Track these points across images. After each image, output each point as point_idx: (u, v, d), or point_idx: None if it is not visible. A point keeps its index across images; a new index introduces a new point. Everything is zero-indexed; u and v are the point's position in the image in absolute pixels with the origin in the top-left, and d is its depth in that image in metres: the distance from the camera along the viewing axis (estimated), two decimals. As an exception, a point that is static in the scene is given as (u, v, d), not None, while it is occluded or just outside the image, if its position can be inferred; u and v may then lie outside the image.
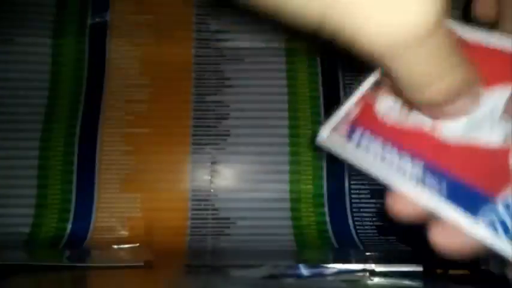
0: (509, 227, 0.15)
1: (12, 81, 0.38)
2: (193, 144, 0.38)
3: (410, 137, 0.18)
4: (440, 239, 0.16)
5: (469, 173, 0.17)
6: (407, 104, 0.18)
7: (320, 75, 0.40)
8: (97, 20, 0.40)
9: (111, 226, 0.36)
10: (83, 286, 0.29)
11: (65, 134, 0.37)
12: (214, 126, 0.38)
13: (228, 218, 0.37)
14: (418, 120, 0.18)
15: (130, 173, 0.37)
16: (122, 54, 0.39)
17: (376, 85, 0.20)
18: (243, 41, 0.40)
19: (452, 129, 0.17)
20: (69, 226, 0.36)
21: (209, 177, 0.37)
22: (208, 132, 0.38)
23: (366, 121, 0.19)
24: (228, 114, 0.38)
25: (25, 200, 0.36)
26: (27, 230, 0.36)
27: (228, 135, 0.38)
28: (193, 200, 0.37)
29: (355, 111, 0.20)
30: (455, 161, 0.17)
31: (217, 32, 0.40)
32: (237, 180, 0.37)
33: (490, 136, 0.17)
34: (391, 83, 0.17)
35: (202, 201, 0.37)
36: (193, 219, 0.37)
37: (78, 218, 0.36)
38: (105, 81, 0.39)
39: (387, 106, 0.19)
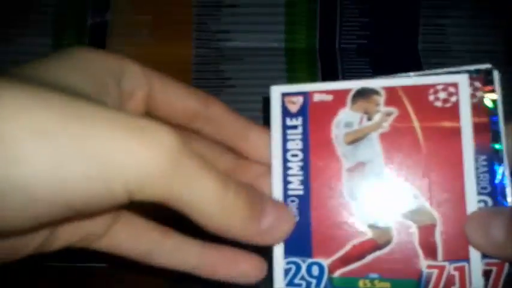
0: (297, 280, 0.19)
1: (12, 81, 0.38)
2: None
3: (328, 162, 0.19)
4: None
5: (320, 226, 0.19)
6: None
7: (320, 75, 0.40)
8: (97, 20, 0.40)
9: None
10: (84, 286, 0.29)
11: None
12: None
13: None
14: (345, 151, 0.19)
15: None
16: (121, 54, 0.39)
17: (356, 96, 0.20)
18: (243, 41, 0.40)
19: (352, 187, 0.19)
20: (69, 226, 0.36)
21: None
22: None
23: (319, 113, 0.20)
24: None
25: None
26: (27, 230, 0.36)
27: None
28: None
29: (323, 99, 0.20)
30: (324, 210, 0.19)
31: (217, 32, 0.40)
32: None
33: (363, 217, 0.19)
34: None
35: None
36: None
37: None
38: (105, 81, 0.39)
39: (345, 119, 0.20)
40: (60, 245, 0.19)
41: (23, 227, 0.13)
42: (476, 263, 0.18)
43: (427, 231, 0.18)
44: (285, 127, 0.20)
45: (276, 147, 0.20)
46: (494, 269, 0.18)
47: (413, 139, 0.19)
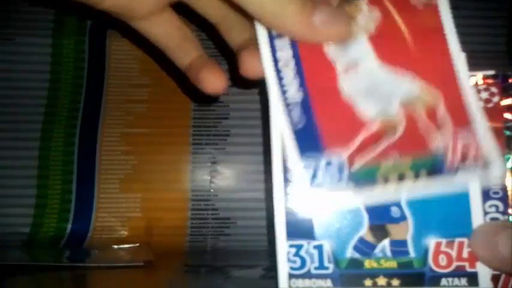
0: (319, 180, 0.18)
1: (12, 81, 0.38)
2: (193, 144, 0.38)
3: (320, 67, 0.19)
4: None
5: (328, 122, 0.19)
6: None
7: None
8: (97, 20, 0.40)
9: (111, 226, 0.36)
10: (83, 286, 0.29)
11: (65, 134, 0.37)
12: (214, 126, 0.38)
13: (228, 218, 0.37)
14: (335, 55, 0.19)
15: (130, 173, 0.37)
16: (122, 54, 0.39)
17: None
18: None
19: (350, 85, 0.19)
20: (69, 226, 0.36)
21: (209, 177, 0.37)
22: (208, 132, 0.38)
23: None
24: (228, 114, 0.38)
25: (25, 200, 0.36)
26: (27, 230, 0.36)
27: (228, 135, 0.38)
28: (193, 200, 0.37)
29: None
30: (328, 108, 0.19)
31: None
32: (237, 180, 0.37)
33: (368, 108, 0.19)
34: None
35: (202, 201, 0.37)
36: (193, 219, 0.37)
37: (78, 218, 0.36)
38: (105, 81, 0.39)
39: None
40: (108, 4, 0.21)
41: None
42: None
43: (433, 109, 0.18)
44: (272, 37, 0.20)
45: (267, 58, 0.20)
46: (503, 274, 0.18)
47: (400, 37, 0.19)
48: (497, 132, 0.18)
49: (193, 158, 0.38)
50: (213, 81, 0.22)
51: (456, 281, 0.18)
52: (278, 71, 0.19)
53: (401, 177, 0.18)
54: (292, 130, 0.19)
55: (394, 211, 0.18)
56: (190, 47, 0.24)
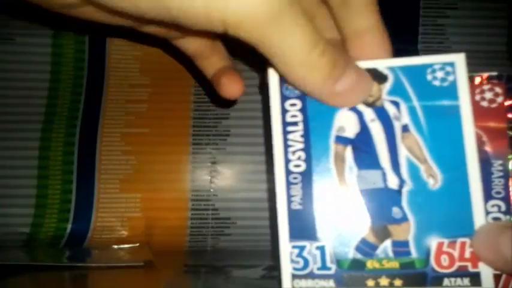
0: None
1: (12, 81, 0.38)
2: (193, 144, 0.38)
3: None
4: None
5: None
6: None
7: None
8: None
9: (111, 226, 0.36)
10: (83, 286, 0.29)
11: (65, 134, 0.37)
12: (214, 126, 0.38)
13: (228, 218, 0.37)
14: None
15: (130, 173, 0.37)
16: (121, 54, 0.39)
17: None
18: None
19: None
20: (69, 226, 0.36)
21: (209, 177, 0.37)
22: (208, 132, 0.38)
23: None
24: (228, 114, 0.38)
25: (25, 200, 0.36)
26: (27, 230, 0.36)
27: (228, 135, 0.38)
28: (193, 200, 0.37)
29: None
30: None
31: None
32: (237, 180, 0.37)
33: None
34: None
35: (202, 201, 0.37)
36: (193, 219, 0.37)
37: (78, 218, 0.36)
38: (105, 81, 0.39)
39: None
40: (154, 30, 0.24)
41: None
42: None
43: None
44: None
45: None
46: (504, 274, 0.18)
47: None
48: (501, 133, 0.18)
49: (193, 158, 0.38)
50: (231, 87, 0.25)
51: (459, 281, 0.18)
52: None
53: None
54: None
55: (396, 212, 0.18)
56: (218, 59, 0.26)
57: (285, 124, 0.20)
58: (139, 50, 0.39)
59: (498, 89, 0.19)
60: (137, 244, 0.35)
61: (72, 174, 0.37)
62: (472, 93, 0.19)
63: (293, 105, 0.20)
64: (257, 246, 0.36)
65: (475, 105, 0.19)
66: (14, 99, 0.38)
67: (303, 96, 0.20)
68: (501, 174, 0.18)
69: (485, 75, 0.19)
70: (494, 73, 0.19)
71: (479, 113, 0.19)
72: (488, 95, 0.19)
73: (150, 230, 0.36)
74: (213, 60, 0.26)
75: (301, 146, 0.19)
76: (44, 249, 0.35)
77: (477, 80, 0.19)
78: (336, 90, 0.18)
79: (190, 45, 0.25)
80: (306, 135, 0.19)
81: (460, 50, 0.41)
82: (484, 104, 0.19)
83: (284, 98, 0.20)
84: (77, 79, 0.39)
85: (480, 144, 0.18)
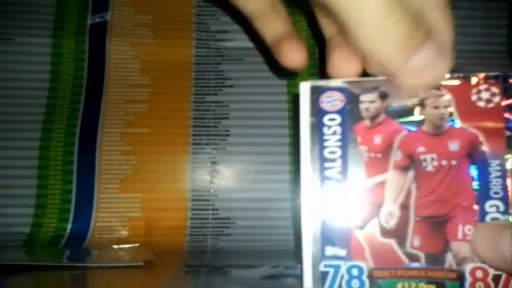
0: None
1: (12, 81, 0.38)
2: (193, 144, 0.38)
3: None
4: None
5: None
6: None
7: (320, 74, 0.40)
8: (97, 20, 0.40)
9: (111, 226, 0.36)
10: (83, 286, 0.29)
11: (65, 134, 0.37)
12: (214, 126, 0.38)
13: (228, 218, 0.37)
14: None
15: (130, 173, 0.37)
16: (122, 54, 0.39)
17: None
18: (243, 41, 0.40)
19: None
20: (69, 226, 0.36)
21: (209, 177, 0.37)
22: (208, 132, 0.38)
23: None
24: (228, 114, 0.38)
25: (25, 200, 0.36)
26: (27, 230, 0.36)
27: (228, 135, 0.38)
28: (193, 200, 0.37)
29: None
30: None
31: (217, 32, 0.40)
32: (237, 180, 0.37)
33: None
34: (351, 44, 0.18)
35: (202, 201, 0.37)
36: (193, 219, 0.37)
37: (78, 218, 0.36)
38: (105, 81, 0.39)
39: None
40: None
41: None
42: None
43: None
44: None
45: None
46: (503, 274, 0.18)
47: None
48: (498, 133, 0.18)
49: (193, 158, 0.38)
50: (293, 56, 0.23)
51: None
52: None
53: None
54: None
55: None
56: (279, 22, 0.24)
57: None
58: (140, 50, 0.39)
59: (495, 89, 0.19)
60: (137, 244, 0.35)
61: (72, 174, 0.37)
62: (469, 94, 0.19)
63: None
64: (257, 246, 0.36)
65: (472, 105, 0.19)
66: (14, 99, 0.38)
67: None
68: (499, 174, 0.18)
69: (482, 75, 0.19)
70: (491, 73, 0.19)
71: (476, 113, 0.19)
72: (485, 95, 0.19)
73: (150, 230, 0.36)
74: (273, 23, 0.24)
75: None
76: (43, 249, 0.35)
77: (474, 80, 0.19)
78: (409, 64, 0.17)
79: (250, 1, 0.23)
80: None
81: (460, 50, 0.41)
82: (481, 104, 0.19)
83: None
84: (77, 79, 0.39)
85: (477, 144, 0.18)
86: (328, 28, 0.22)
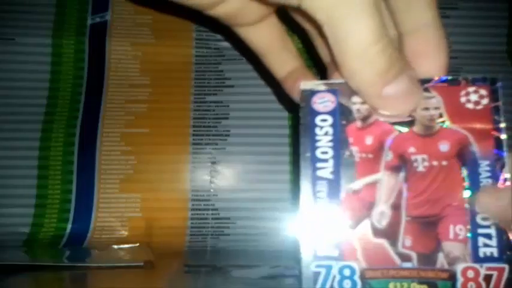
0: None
1: (12, 81, 0.38)
2: (193, 144, 0.38)
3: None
4: None
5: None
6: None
7: (320, 74, 0.40)
8: (97, 20, 0.40)
9: (111, 226, 0.36)
10: (83, 286, 0.29)
11: (65, 134, 0.37)
12: (214, 126, 0.38)
13: (228, 218, 0.37)
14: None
15: (130, 173, 0.37)
16: (122, 54, 0.39)
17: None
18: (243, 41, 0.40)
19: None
20: (69, 226, 0.36)
21: (209, 177, 0.37)
22: (208, 132, 0.38)
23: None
24: (228, 114, 0.38)
25: (25, 200, 0.36)
26: (27, 230, 0.36)
27: (228, 135, 0.38)
28: (193, 200, 0.37)
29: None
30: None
31: (218, 32, 0.40)
32: (237, 180, 0.37)
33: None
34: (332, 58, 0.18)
35: (202, 201, 0.37)
36: (193, 219, 0.37)
37: (78, 218, 0.36)
38: (105, 81, 0.39)
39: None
40: (219, 11, 0.22)
41: None
42: None
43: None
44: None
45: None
46: (494, 273, 0.18)
47: None
48: (487, 134, 0.19)
49: (193, 158, 0.38)
50: None
51: None
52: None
53: None
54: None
55: None
56: (289, 57, 0.24)
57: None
58: (140, 50, 0.39)
59: (483, 91, 0.19)
60: (137, 244, 0.35)
61: (72, 174, 0.37)
62: (458, 96, 0.19)
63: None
64: (257, 246, 0.36)
65: (461, 107, 0.19)
66: (14, 99, 0.38)
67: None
68: (489, 174, 0.18)
69: (470, 77, 0.19)
70: (479, 75, 0.19)
71: (465, 114, 0.19)
72: (474, 97, 0.19)
73: (150, 230, 0.36)
74: (283, 57, 0.24)
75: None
76: (43, 249, 0.35)
77: (462, 82, 0.19)
78: (383, 92, 0.18)
79: (259, 35, 0.23)
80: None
81: (460, 50, 0.41)
82: (470, 106, 0.19)
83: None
84: (77, 79, 0.39)
85: (467, 145, 0.19)
86: (325, 52, 0.23)
